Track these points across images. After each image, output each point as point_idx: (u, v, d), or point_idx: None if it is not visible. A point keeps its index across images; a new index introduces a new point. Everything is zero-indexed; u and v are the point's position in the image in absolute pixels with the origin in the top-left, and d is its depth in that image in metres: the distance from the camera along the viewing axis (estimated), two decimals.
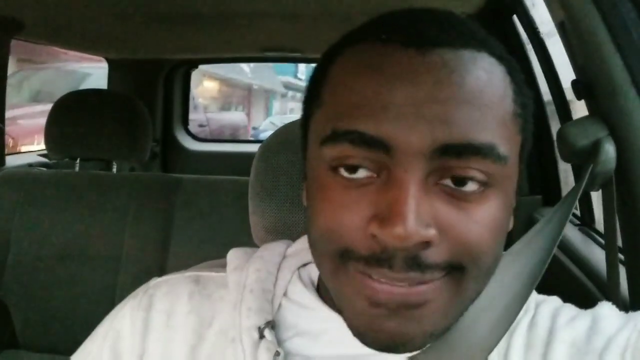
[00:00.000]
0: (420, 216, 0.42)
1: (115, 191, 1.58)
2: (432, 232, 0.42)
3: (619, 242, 0.74)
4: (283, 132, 0.77)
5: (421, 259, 0.43)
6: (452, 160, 0.43)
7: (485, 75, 0.45)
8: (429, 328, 0.46)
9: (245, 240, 0.79)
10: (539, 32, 1.38)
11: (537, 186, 1.50)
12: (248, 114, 9.20)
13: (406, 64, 0.45)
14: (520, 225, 1.12)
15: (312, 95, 0.52)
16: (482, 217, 0.45)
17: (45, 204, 1.55)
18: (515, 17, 1.44)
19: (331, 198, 0.46)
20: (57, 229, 1.54)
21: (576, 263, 1.10)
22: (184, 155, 2.97)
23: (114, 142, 1.67)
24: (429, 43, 0.45)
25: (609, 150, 0.67)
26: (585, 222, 1.27)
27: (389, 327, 0.45)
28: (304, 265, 0.62)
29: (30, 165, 2.06)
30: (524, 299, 0.53)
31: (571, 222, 1.31)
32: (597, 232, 1.22)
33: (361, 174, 0.45)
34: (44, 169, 1.90)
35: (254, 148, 0.94)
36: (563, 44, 0.79)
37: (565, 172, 1.48)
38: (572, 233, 1.24)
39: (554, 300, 0.56)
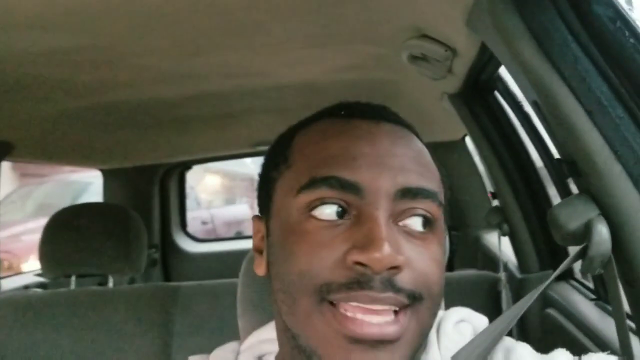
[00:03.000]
0: (391, 244, 0.50)
1: (112, 307, 1.53)
2: (401, 258, 0.50)
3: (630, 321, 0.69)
4: None
5: (395, 281, 0.50)
6: (408, 202, 0.54)
7: (420, 144, 0.60)
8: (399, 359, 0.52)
9: None
10: (521, 105, 1.37)
11: (546, 262, 1.46)
12: (251, 205, 9.21)
13: (366, 129, 0.57)
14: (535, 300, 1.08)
15: (277, 161, 0.61)
16: (430, 254, 0.54)
17: (41, 328, 1.50)
18: (497, 93, 1.44)
19: (308, 239, 0.53)
20: (55, 352, 1.48)
21: (592, 338, 1.05)
22: (184, 259, 2.93)
23: (108, 256, 1.65)
24: (379, 117, 0.60)
25: (602, 230, 0.63)
26: (600, 296, 1.22)
27: None
28: (260, 357, 0.66)
29: (26, 287, 2.03)
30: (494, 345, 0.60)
31: (586, 296, 1.26)
32: None
33: (334, 215, 0.53)
34: (39, 289, 1.86)
35: None
36: (541, 123, 0.76)
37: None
38: (587, 308, 1.19)
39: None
